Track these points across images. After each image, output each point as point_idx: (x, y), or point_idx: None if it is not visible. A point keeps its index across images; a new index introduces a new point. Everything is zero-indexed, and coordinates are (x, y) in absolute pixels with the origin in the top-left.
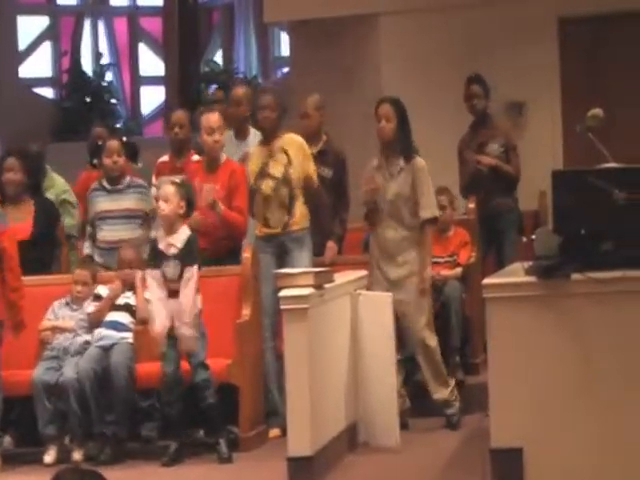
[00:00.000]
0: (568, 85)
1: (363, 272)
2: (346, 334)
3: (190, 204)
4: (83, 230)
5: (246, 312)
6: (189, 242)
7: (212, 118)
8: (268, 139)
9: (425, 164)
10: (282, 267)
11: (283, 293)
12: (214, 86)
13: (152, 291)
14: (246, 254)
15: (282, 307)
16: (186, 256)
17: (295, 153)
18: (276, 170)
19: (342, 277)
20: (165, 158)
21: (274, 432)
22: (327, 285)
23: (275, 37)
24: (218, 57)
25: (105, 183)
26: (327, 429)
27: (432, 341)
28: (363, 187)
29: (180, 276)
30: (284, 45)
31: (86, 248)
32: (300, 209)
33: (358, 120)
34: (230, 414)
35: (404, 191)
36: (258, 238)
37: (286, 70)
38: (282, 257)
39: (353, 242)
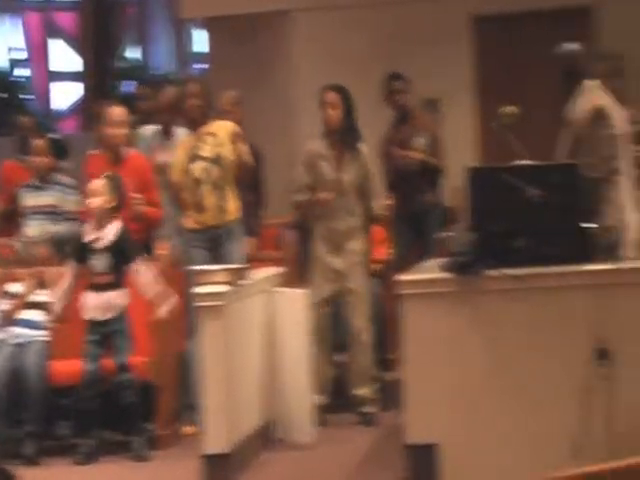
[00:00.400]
0: (483, 82)
1: (279, 269)
2: (262, 331)
3: (121, 197)
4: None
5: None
6: (123, 235)
7: (115, 111)
8: (196, 128)
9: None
10: (215, 260)
11: (198, 290)
12: (130, 82)
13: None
14: (162, 251)
15: (197, 304)
16: (120, 250)
17: (225, 135)
18: (206, 151)
19: (258, 274)
20: (96, 151)
21: (190, 429)
22: (243, 282)
23: (191, 33)
24: (134, 53)
25: (33, 181)
26: (243, 426)
27: (368, 336)
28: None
29: (113, 269)
30: (200, 41)
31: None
32: (233, 197)
33: (275, 116)
34: (145, 412)
35: (355, 181)
36: (190, 231)
37: (202, 66)
38: (215, 250)
39: (269, 239)
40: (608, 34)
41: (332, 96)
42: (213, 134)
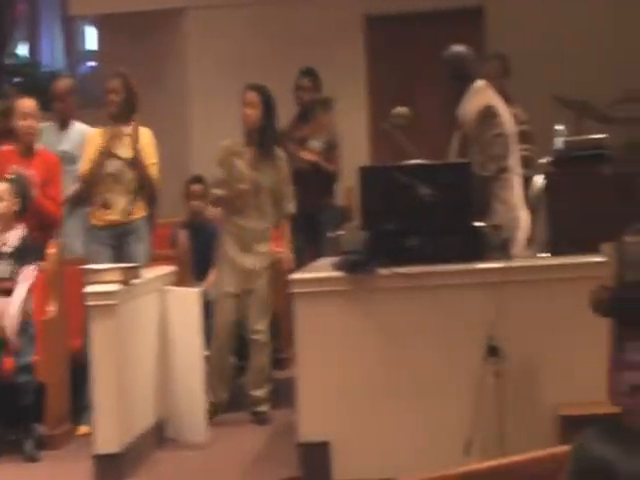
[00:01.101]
0: (374, 82)
1: (171, 268)
2: (154, 330)
3: (25, 199)
4: None
5: (51, 309)
6: (25, 240)
7: (26, 103)
8: (115, 122)
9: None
10: (120, 259)
11: (89, 289)
12: (20, 79)
13: None
14: (51, 250)
15: (88, 303)
16: (23, 254)
17: (146, 141)
18: (123, 152)
19: (150, 273)
20: None
21: (86, 429)
22: (135, 281)
23: (84, 30)
24: (22, 50)
25: None
26: (135, 426)
27: (267, 337)
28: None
29: (16, 275)
30: (90, 39)
31: None
32: (142, 198)
33: (168, 114)
34: (37, 412)
35: (268, 183)
36: (95, 228)
37: (92, 64)
38: (120, 248)
39: (161, 238)
40: (497, 35)
41: (251, 95)
42: (132, 136)
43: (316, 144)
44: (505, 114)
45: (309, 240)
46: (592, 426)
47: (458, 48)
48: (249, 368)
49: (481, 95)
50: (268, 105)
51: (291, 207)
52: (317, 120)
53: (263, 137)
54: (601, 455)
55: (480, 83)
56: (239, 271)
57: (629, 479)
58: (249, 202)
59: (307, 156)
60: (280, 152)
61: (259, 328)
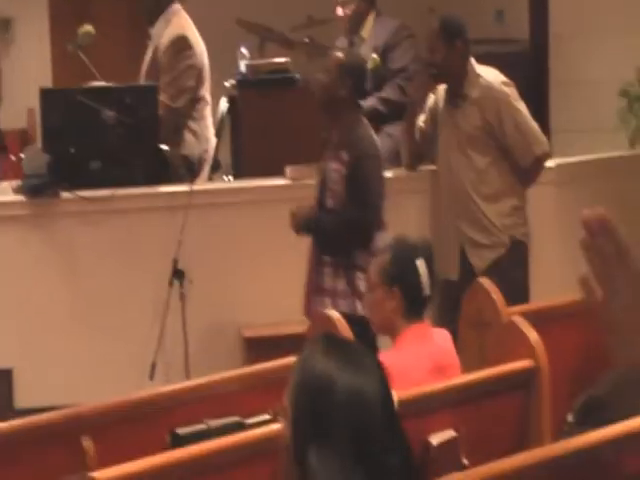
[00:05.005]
0: (56, 3)
1: None
2: None
3: None
4: None
5: None
6: None
7: None
8: None
9: None
10: None
11: None
12: None
13: None
14: None
15: None
16: None
17: None
18: None
19: None
20: None
21: None
22: None
23: None
24: None
25: None
26: None
27: None
28: None
29: None
30: None
31: None
32: None
33: None
34: None
35: None
36: None
37: None
38: None
39: None
40: None
41: None
42: None
43: None
44: (199, 44)
45: None
46: (314, 340)
47: None
48: None
49: (177, 18)
50: None
51: None
52: None
53: None
54: (321, 369)
55: (177, 6)
56: None
57: (347, 393)
58: None
59: None
60: None
61: None
